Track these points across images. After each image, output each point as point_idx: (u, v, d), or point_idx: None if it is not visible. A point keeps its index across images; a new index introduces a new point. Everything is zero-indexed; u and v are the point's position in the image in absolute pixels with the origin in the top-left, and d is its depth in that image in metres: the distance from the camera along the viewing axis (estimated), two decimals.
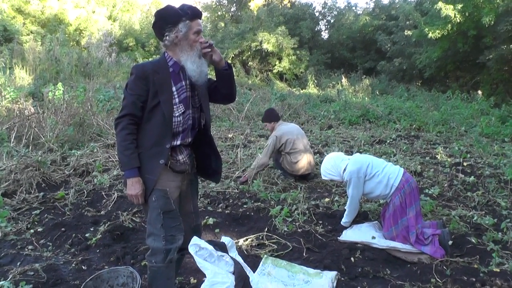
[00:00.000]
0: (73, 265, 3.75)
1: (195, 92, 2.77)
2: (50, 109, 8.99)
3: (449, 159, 7.34)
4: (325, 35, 32.46)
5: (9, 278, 3.38)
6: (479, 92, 16.65)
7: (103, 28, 31.06)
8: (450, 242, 4.01)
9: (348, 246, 4.08)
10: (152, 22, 2.71)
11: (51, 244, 4.23)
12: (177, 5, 2.67)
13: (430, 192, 5.68)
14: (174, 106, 2.63)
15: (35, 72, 16.93)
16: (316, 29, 31.11)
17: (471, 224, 4.59)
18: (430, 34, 17.49)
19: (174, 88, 2.64)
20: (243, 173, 6.48)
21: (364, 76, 23.66)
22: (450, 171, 6.66)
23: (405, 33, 21.58)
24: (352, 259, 3.86)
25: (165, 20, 2.62)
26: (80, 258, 3.87)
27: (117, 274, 3.00)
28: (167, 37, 2.62)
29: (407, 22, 23.52)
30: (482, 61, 18.04)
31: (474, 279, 3.48)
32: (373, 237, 4.16)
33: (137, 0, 40.35)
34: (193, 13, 2.61)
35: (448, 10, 16.46)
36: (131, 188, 2.58)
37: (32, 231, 4.48)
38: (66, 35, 28.31)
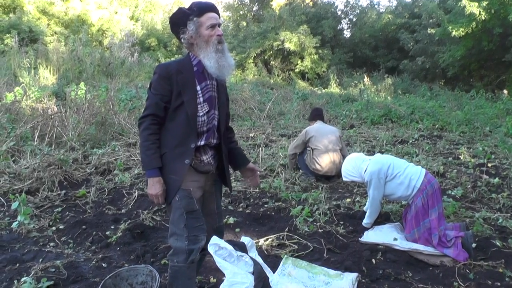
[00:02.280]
0: (93, 262, 3.77)
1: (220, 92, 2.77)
2: (72, 108, 9.11)
3: (472, 160, 7.21)
4: (347, 34, 32.30)
5: (31, 274, 3.41)
6: (505, 91, 16.38)
7: (125, 28, 31.38)
8: (474, 245, 3.91)
9: (369, 247, 4.03)
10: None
11: (72, 241, 4.26)
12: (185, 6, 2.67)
13: (453, 193, 5.57)
14: (199, 106, 2.62)
15: (58, 72, 17.21)
16: (338, 28, 30.94)
17: (495, 227, 4.49)
18: (453, 32, 17.24)
19: (198, 87, 2.63)
20: (265, 171, 6.55)
21: (387, 75, 23.46)
22: (474, 172, 6.54)
23: (428, 32, 21.31)
24: (373, 260, 3.81)
25: (176, 23, 2.63)
26: (100, 256, 3.89)
27: (136, 272, 3.00)
28: (183, 39, 2.64)
29: (430, 20, 23.21)
30: (508, 59, 17.72)
31: (499, 284, 3.40)
32: (395, 239, 4.09)
33: (159, 0, 40.61)
34: (199, 9, 2.57)
35: (472, 8, 16.20)
36: (152, 188, 2.57)
37: (54, 228, 4.54)
38: (89, 36, 28.68)
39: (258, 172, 3.02)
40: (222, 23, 3.28)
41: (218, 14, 2.66)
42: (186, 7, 2.66)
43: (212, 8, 2.62)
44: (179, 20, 2.61)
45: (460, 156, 7.56)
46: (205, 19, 2.57)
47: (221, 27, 2.67)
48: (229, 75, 2.73)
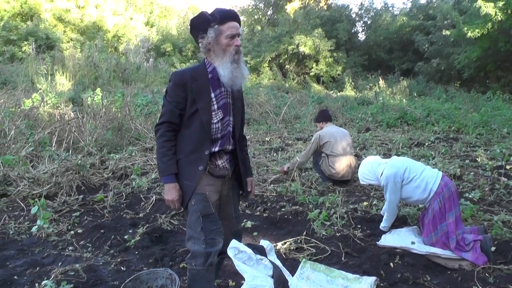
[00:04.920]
0: (112, 266, 3.80)
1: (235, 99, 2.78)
2: (89, 114, 9.21)
3: (490, 162, 7.12)
4: (362, 36, 32.31)
5: (52, 277, 3.45)
6: None
7: (140, 34, 31.70)
8: (493, 249, 3.86)
9: (387, 251, 4.00)
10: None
11: (90, 245, 4.30)
12: (211, 9, 2.66)
13: (470, 196, 5.51)
14: (213, 113, 2.63)
15: (75, 78, 17.41)
16: (353, 30, 30.97)
17: None
18: (469, 34, 17.12)
19: (212, 95, 2.64)
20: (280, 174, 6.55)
21: (402, 77, 23.39)
22: (492, 174, 6.47)
23: (443, 33, 21.18)
24: (391, 264, 3.78)
25: (197, 27, 2.63)
26: (119, 259, 3.92)
27: (156, 275, 3.02)
28: (200, 44, 2.64)
29: (445, 22, 23.09)
30: None
31: None
32: (413, 243, 4.06)
33: (174, 5, 41.02)
34: (222, 17, 2.56)
35: (488, 8, 16.07)
36: (168, 194, 2.61)
37: (72, 232, 4.58)
38: (105, 42, 29.04)
39: (252, 191, 3.03)
40: (243, 33, 3.25)
41: (240, 24, 2.66)
42: (209, 12, 2.64)
43: (234, 17, 2.62)
44: (199, 25, 2.61)
45: (477, 159, 7.48)
46: (226, 28, 2.56)
47: (240, 37, 2.66)
48: (241, 85, 2.74)
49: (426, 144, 9.08)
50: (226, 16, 2.58)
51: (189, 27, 2.72)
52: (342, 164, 5.98)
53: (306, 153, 6.30)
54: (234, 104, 2.76)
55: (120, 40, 32.15)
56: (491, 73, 21.82)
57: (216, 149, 2.69)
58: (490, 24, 16.55)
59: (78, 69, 18.34)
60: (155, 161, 7.09)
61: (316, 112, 12.74)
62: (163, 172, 2.62)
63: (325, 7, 32.66)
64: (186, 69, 2.75)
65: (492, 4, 16.08)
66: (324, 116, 6.58)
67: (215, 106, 2.64)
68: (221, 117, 2.67)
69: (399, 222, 4.63)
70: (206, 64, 2.69)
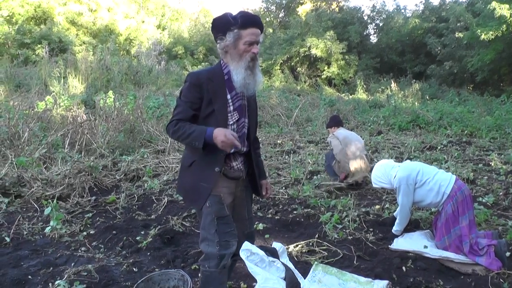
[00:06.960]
0: (124, 267, 3.81)
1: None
2: (101, 116, 9.26)
3: (504, 166, 7.06)
4: (374, 39, 32.21)
5: (65, 277, 3.47)
6: None
7: (152, 37, 31.86)
8: (508, 254, 3.81)
9: (399, 255, 3.98)
10: None
11: (103, 246, 4.32)
12: (232, 12, 2.63)
13: (484, 200, 5.46)
14: (229, 114, 2.62)
15: (87, 81, 17.52)
16: (364, 33, 30.87)
17: None
18: (482, 36, 16.97)
19: (229, 96, 2.63)
20: (292, 179, 6.53)
21: (414, 80, 23.23)
22: (506, 179, 6.41)
23: (456, 36, 21.01)
24: (403, 268, 3.75)
25: (216, 28, 2.60)
26: (131, 261, 3.93)
27: (168, 276, 3.03)
28: (218, 45, 2.61)
29: (458, 24, 22.92)
30: None
31: None
32: (425, 246, 4.03)
33: (185, 9, 41.20)
34: (243, 22, 2.52)
35: (503, 10, 15.93)
36: (220, 136, 2.40)
37: (85, 233, 4.61)
38: (117, 45, 29.20)
39: (269, 193, 3.03)
40: (262, 41, 3.16)
41: (262, 30, 2.62)
42: (234, 13, 2.60)
43: (256, 24, 2.57)
44: (220, 26, 2.58)
45: (491, 163, 7.42)
46: (246, 34, 2.52)
47: (259, 45, 2.62)
48: (254, 91, 2.70)
49: (439, 147, 9.03)
50: (248, 21, 2.54)
51: (211, 25, 2.70)
52: (353, 167, 5.96)
53: (338, 152, 6.10)
54: (249, 106, 2.76)
55: (132, 43, 32.33)
56: (505, 76, 21.64)
57: (232, 150, 2.67)
58: (504, 26, 16.39)
59: (91, 72, 18.45)
60: (167, 163, 7.14)
61: (327, 115, 12.74)
62: (199, 138, 2.46)
63: (336, 9, 32.65)
64: (202, 70, 2.73)
65: (507, 6, 15.93)
66: (335, 122, 6.60)
67: (231, 108, 2.64)
68: (236, 118, 2.66)
69: (412, 226, 4.61)
70: (222, 65, 2.67)
